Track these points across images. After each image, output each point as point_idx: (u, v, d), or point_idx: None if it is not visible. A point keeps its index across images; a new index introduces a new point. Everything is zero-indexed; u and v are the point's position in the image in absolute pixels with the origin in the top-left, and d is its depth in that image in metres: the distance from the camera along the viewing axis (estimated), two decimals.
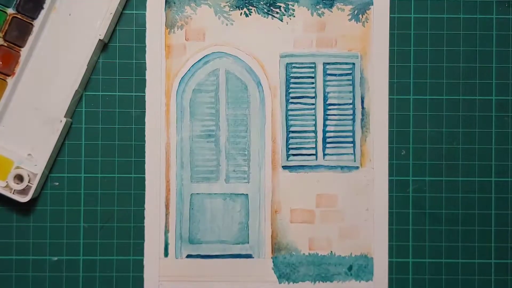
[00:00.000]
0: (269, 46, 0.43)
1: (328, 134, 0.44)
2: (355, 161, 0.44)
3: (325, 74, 0.44)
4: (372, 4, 0.44)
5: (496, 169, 0.44)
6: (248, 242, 0.43)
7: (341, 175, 0.43)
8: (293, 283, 0.43)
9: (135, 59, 0.43)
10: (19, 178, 0.41)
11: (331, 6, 0.44)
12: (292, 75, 0.44)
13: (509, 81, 0.44)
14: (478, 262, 0.43)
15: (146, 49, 0.43)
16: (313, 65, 0.44)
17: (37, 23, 0.42)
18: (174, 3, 0.43)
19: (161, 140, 0.43)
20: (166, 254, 0.43)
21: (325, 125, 0.44)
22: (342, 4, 0.44)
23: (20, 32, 0.42)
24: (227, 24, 0.43)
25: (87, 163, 0.43)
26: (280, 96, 0.44)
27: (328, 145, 0.44)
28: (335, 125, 0.44)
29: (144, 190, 0.43)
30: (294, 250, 0.43)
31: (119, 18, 0.43)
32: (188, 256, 0.43)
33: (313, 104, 0.44)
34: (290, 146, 0.44)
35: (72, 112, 0.43)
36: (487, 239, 0.43)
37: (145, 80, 0.43)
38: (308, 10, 0.44)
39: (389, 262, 0.43)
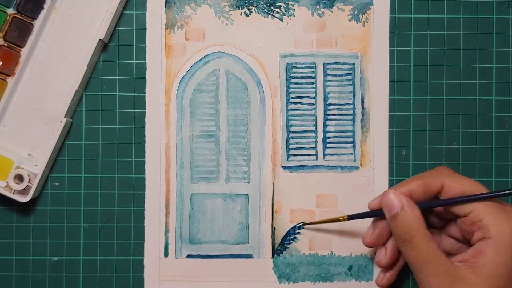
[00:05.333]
0: (269, 46, 0.44)
1: (328, 134, 0.44)
2: (355, 161, 0.44)
3: (325, 74, 0.44)
4: (372, 4, 0.44)
5: (496, 169, 0.44)
6: (248, 242, 0.43)
7: (341, 175, 0.43)
8: (293, 283, 0.43)
9: (135, 59, 0.43)
10: (19, 178, 0.41)
11: (331, 6, 0.44)
12: (292, 75, 0.44)
13: (509, 81, 0.44)
14: None
15: (146, 49, 0.43)
16: (313, 65, 0.44)
17: (37, 23, 0.42)
18: (174, 3, 0.43)
19: (161, 140, 0.43)
20: (166, 254, 0.43)
21: (325, 125, 0.44)
22: (342, 4, 0.44)
23: (20, 32, 0.42)
24: (227, 24, 0.43)
25: (87, 163, 0.43)
26: (280, 96, 0.44)
27: (328, 145, 0.44)
28: (335, 125, 0.44)
29: (144, 190, 0.43)
30: (294, 250, 0.43)
31: (119, 18, 0.43)
32: (188, 256, 0.43)
33: (313, 104, 0.44)
34: (290, 146, 0.44)
35: (72, 112, 0.43)
36: None
37: (145, 80, 0.43)
38: (308, 10, 0.44)
39: None
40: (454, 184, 0.36)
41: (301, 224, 0.43)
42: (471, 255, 0.35)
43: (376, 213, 0.39)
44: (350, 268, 0.43)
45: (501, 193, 0.35)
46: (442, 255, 0.35)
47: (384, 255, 0.39)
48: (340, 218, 0.41)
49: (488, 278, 0.33)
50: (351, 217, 0.40)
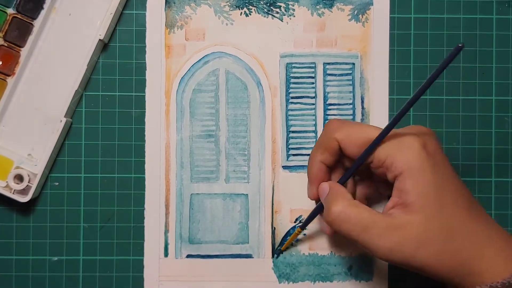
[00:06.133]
0: (269, 46, 0.43)
1: None
2: None
3: (325, 74, 0.44)
4: (372, 4, 0.44)
5: (496, 169, 0.44)
6: (248, 242, 0.43)
7: None
8: (293, 283, 0.43)
9: (135, 59, 0.43)
10: (19, 178, 0.41)
11: (331, 6, 0.44)
12: (292, 75, 0.44)
13: (509, 81, 0.44)
14: None
15: (146, 49, 0.43)
16: (313, 65, 0.44)
17: (37, 23, 0.42)
18: (174, 3, 0.43)
19: (161, 140, 0.43)
20: (166, 254, 0.43)
21: None
22: (342, 4, 0.44)
23: (20, 32, 0.42)
24: (227, 24, 0.43)
25: (87, 163, 0.43)
26: (280, 96, 0.44)
27: None
28: None
29: (144, 190, 0.43)
30: (294, 250, 0.43)
31: (119, 18, 0.43)
32: (188, 256, 0.43)
33: (313, 104, 0.44)
34: (290, 146, 0.44)
35: (72, 112, 0.43)
36: None
37: (145, 80, 0.43)
38: (308, 10, 0.44)
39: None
40: (346, 137, 0.36)
41: (279, 249, 0.43)
42: (397, 196, 0.33)
43: (318, 209, 0.39)
44: (350, 268, 0.43)
45: (387, 128, 0.34)
46: (376, 214, 0.33)
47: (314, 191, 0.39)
48: (297, 232, 0.41)
49: (423, 210, 0.32)
50: (302, 227, 0.41)
